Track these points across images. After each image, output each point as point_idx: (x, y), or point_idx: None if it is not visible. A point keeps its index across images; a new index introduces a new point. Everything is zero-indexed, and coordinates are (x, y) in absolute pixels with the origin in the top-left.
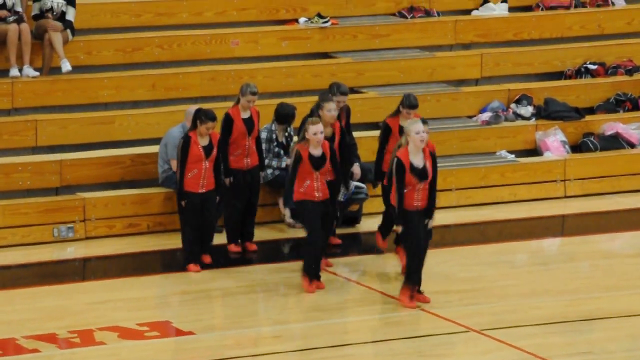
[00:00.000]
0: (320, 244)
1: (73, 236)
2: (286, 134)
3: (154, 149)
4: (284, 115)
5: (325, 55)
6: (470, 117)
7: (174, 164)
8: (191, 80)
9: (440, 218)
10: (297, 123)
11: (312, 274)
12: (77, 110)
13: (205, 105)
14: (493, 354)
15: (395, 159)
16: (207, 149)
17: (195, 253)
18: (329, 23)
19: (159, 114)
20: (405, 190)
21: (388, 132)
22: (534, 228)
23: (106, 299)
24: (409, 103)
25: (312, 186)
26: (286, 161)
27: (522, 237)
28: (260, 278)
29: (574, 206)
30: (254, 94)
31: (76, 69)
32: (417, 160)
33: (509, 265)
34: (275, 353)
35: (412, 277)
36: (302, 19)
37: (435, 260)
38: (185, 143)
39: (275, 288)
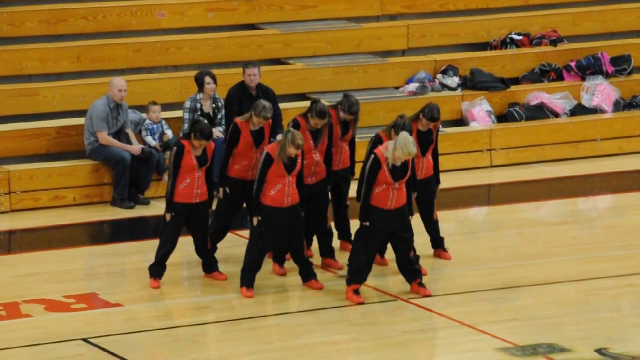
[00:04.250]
0: (262, 257)
1: None
2: (213, 105)
3: (79, 121)
4: (195, 79)
5: (251, 26)
6: (396, 87)
7: (101, 136)
8: (117, 51)
9: None
10: (222, 93)
11: (247, 280)
12: (1, 82)
13: (131, 77)
14: (420, 322)
15: (372, 156)
16: (201, 159)
17: (163, 266)
18: None
19: (84, 86)
20: (379, 190)
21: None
22: (460, 197)
23: (32, 271)
24: (430, 115)
25: (283, 191)
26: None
27: (448, 207)
28: (187, 249)
29: (500, 175)
30: (266, 118)
31: None
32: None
33: None
34: (203, 324)
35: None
36: None
37: None
38: (179, 152)
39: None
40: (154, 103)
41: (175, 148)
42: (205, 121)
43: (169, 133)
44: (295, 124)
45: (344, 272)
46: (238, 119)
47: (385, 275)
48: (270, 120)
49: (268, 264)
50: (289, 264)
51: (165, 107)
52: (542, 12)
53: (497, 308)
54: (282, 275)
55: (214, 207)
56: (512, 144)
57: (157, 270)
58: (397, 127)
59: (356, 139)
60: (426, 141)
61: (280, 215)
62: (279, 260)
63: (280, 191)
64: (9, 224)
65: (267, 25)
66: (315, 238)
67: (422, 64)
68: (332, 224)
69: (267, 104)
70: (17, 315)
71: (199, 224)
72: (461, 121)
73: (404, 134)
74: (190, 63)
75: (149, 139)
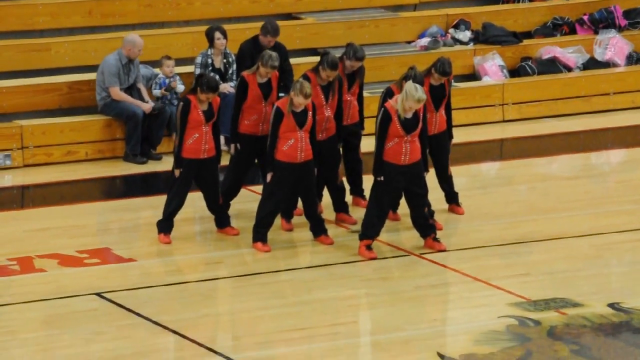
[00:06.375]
0: (275, 213)
1: (10, 164)
2: (225, 60)
3: (91, 76)
4: (205, 35)
5: None
6: (408, 42)
7: (113, 92)
8: (128, 6)
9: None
10: (233, 48)
11: (261, 235)
12: (12, 37)
13: (143, 32)
14: (433, 277)
15: (382, 109)
16: (208, 114)
17: (171, 222)
18: None
19: (96, 41)
20: (392, 144)
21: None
22: (472, 152)
23: (45, 226)
24: (442, 69)
25: (296, 146)
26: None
27: (461, 161)
28: (199, 205)
29: (512, 130)
30: (273, 67)
31: None
32: (407, 113)
33: None
34: (216, 279)
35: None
36: None
37: None
38: (185, 107)
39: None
40: (168, 57)
41: (181, 103)
42: (217, 76)
43: (181, 87)
44: (306, 79)
45: (357, 227)
46: (245, 73)
47: (399, 230)
48: (277, 72)
49: (277, 219)
50: (298, 219)
51: (177, 62)
52: None
53: (509, 263)
54: (289, 230)
55: (224, 163)
56: (525, 99)
57: (166, 225)
58: (407, 78)
59: (368, 94)
60: (439, 96)
61: (293, 171)
62: (287, 216)
63: (293, 146)
64: (22, 179)
65: None
66: (328, 194)
67: (434, 19)
68: (344, 179)
69: (273, 53)
70: (31, 270)
71: (208, 179)
72: (473, 76)
73: (409, 84)
74: (202, 18)
75: (157, 92)
